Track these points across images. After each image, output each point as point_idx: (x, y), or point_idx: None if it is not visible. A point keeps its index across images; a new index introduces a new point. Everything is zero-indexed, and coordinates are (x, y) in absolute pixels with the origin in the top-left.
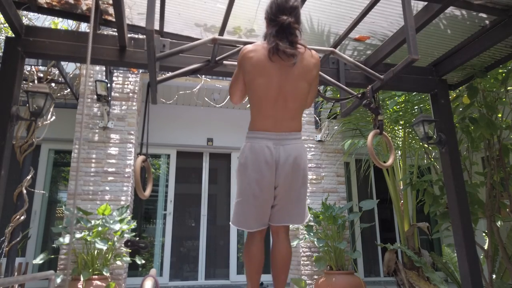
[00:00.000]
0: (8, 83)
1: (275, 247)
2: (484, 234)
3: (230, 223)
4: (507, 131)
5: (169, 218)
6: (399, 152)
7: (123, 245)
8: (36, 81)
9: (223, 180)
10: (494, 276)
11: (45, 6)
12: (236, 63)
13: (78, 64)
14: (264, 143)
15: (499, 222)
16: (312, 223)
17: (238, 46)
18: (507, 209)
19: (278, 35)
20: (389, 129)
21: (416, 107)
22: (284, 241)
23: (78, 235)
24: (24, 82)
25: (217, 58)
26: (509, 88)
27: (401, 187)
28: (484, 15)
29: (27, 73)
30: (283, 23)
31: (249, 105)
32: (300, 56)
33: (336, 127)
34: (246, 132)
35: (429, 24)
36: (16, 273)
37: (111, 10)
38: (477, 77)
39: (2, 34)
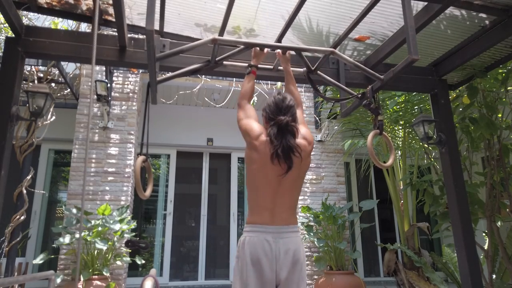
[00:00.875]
0: (8, 83)
1: None
2: (484, 234)
3: None
4: (507, 131)
5: (169, 218)
6: (399, 152)
7: (123, 245)
8: (36, 81)
9: (223, 180)
10: (494, 276)
11: (45, 6)
12: (236, 63)
13: (78, 64)
14: (263, 237)
15: (499, 222)
16: (312, 223)
17: (238, 47)
18: (507, 209)
19: (279, 135)
20: (389, 129)
21: (416, 107)
22: None
23: (78, 235)
24: (24, 82)
25: (217, 58)
26: (509, 88)
27: (401, 187)
28: (484, 15)
29: (27, 73)
30: (281, 123)
31: (246, 187)
32: (297, 159)
33: (336, 127)
34: None
35: (429, 24)
36: (16, 273)
37: (111, 10)
38: (477, 77)
39: (2, 34)
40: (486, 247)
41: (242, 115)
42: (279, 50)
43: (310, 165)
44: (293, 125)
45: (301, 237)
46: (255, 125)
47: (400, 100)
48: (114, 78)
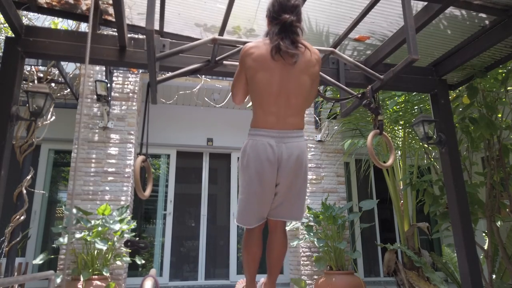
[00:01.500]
0: (8, 83)
1: (272, 239)
2: (484, 234)
3: (235, 221)
4: (507, 131)
5: (169, 218)
6: (399, 152)
7: (123, 245)
8: (36, 81)
9: (223, 180)
10: (494, 276)
11: (45, 6)
12: (236, 63)
13: (78, 64)
14: (266, 141)
15: (499, 222)
16: (312, 223)
17: (238, 46)
18: (507, 209)
19: (281, 34)
20: (389, 129)
21: (416, 107)
22: (281, 234)
23: (78, 235)
24: (24, 82)
25: (217, 58)
26: (509, 88)
27: (401, 187)
28: (484, 15)
29: (27, 73)
30: (285, 21)
31: (249, 105)
32: (301, 54)
33: (336, 127)
34: (246, 132)
35: (429, 24)
36: (16, 273)
37: (111, 10)
38: (477, 77)
39: (2, 34)
40: (486, 247)
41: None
42: None
43: (310, 165)
44: (298, 25)
45: (306, 143)
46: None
47: (400, 100)
48: (114, 78)
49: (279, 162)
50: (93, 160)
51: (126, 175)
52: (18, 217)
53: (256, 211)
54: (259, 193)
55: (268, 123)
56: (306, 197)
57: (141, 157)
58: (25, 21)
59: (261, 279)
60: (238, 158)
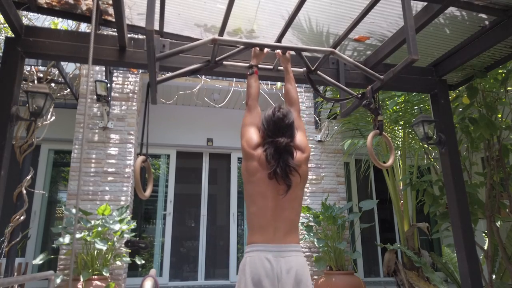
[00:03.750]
0: (8, 83)
1: None
2: (484, 234)
3: None
4: (507, 131)
5: (169, 218)
6: (399, 152)
7: (123, 245)
8: (36, 81)
9: (223, 180)
10: (494, 276)
11: (45, 6)
12: (236, 63)
13: (78, 64)
14: (263, 255)
15: (499, 222)
16: (312, 223)
17: (238, 47)
18: (507, 209)
19: (276, 155)
20: (389, 129)
21: (416, 107)
22: None
23: (78, 235)
24: (24, 82)
25: (217, 59)
26: (509, 88)
27: (401, 187)
28: (484, 16)
29: (27, 73)
30: (280, 145)
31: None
32: (294, 177)
33: (336, 127)
34: None
35: (429, 24)
36: (16, 273)
37: (111, 10)
38: (477, 77)
39: (2, 34)
40: (486, 247)
41: (248, 120)
42: (279, 50)
43: (310, 165)
44: (292, 145)
45: (305, 259)
46: (255, 136)
47: (400, 100)
48: (114, 78)
49: (278, 278)
50: (93, 160)
51: (126, 175)
52: (18, 217)
53: None
54: None
55: (265, 238)
56: (306, 197)
57: (141, 157)
58: (25, 21)
59: None
60: (237, 157)
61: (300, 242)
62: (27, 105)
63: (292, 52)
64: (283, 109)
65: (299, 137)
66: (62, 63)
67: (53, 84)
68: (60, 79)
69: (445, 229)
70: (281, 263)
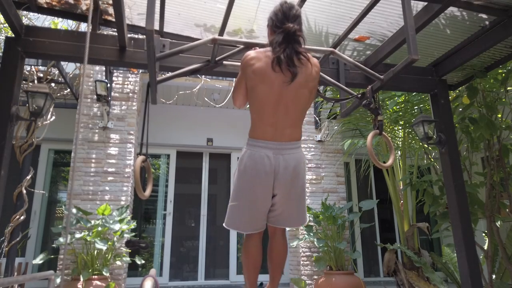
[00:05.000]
0: (8, 83)
1: (272, 245)
2: (484, 234)
3: (224, 224)
4: (507, 131)
5: (169, 218)
6: (399, 152)
7: (123, 245)
8: (36, 81)
9: (223, 180)
10: (494, 276)
11: (45, 6)
12: (236, 63)
13: (78, 64)
14: (264, 152)
15: (499, 222)
16: (312, 223)
17: (238, 46)
18: (507, 209)
19: (284, 43)
20: (389, 129)
21: (416, 107)
22: (280, 239)
23: (78, 235)
24: (24, 82)
25: (217, 58)
26: (509, 88)
27: (401, 187)
28: (484, 15)
29: (27, 73)
30: (289, 30)
31: (248, 106)
32: (302, 67)
33: (336, 127)
34: (246, 132)
35: (429, 24)
36: (16, 273)
37: (111, 10)
38: (477, 77)
39: (2, 34)
40: (486, 247)
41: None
42: None
43: (310, 165)
44: (300, 34)
45: (303, 153)
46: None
47: (400, 100)
48: (114, 78)
49: (276, 173)
50: (93, 160)
51: (126, 175)
52: (18, 217)
53: (249, 218)
54: (254, 201)
55: (266, 134)
56: (306, 197)
57: (141, 157)
58: (25, 21)
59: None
60: (237, 157)
61: (300, 242)
62: (27, 105)
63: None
64: (289, 1)
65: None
66: (62, 63)
67: (53, 84)
68: (60, 79)
69: (445, 229)
70: (280, 160)
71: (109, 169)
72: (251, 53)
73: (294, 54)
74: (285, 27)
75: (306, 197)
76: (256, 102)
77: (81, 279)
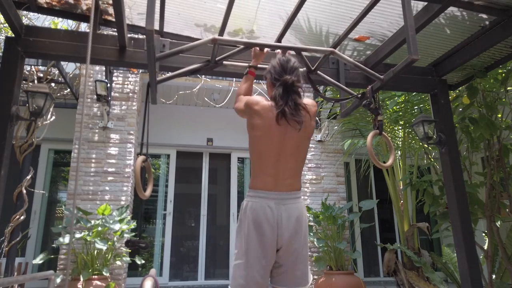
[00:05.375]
0: (8, 83)
1: None
2: (484, 234)
3: (229, 287)
4: (507, 131)
5: (169, 218)
6: (399, 152)
7: (123, 245)
8: (36, 81)
9: (223, 180)
10: (494, 276)
11: (45, 6)
12: (236, 63)
13: (78, 64)
14: (265, 203)
15: (499, 222)
16: (312, 223)
17: (238, 46)
18: (507, 209)
19: (284, 96)
20: (389, 129)
21: (416, 107)
22: None
23: (78, 235)
24: (24, 82)
25: (217, 58)
26: (509, 88)
27: (401, 187)
28: (484, 15)
29: (27, 73)
30: (287, 82)
31: (250, 157)
32: (304, 118)
33: (336, 127)
34: (246, 132)
35: (429, 24)
36: (16, 273)
37: (111, 10)
38: (477, 77)
39: (2, 34)
40: (486, 247)
41: (238, 103)
42: (279, 50)
43: (310, 165)
44: (299, 85)
45: (304, 203)
46: (252, 97)
47: (400, 100)
48: (114, 78)
49: (278, 225)
50: (93, 160)
51: (126, 175)
52: (18, 217)
53: (257, 276)
54: (260, 256)
55: (267, 185)
56: (306, 197)
57: (141, 157)
58: (25, 21)
59: None
60: (237, 158)
61: None
62: (27, 105)
63: (292, 52)
64: (286, 54)
65: (305, 99)
66: (62, 63)
67: (53, 84)
68: (60, 79)
69: (445, 229)
70: (282, 210)
71: (109, 169)
72: (256, 98)
73: (295, 106)
74: (283, 79)
75: (306, 197)
76: (257, 153)
77: (81, 279)
